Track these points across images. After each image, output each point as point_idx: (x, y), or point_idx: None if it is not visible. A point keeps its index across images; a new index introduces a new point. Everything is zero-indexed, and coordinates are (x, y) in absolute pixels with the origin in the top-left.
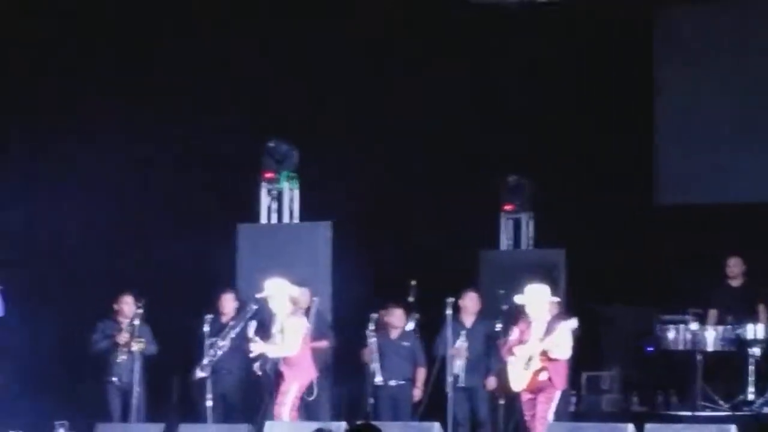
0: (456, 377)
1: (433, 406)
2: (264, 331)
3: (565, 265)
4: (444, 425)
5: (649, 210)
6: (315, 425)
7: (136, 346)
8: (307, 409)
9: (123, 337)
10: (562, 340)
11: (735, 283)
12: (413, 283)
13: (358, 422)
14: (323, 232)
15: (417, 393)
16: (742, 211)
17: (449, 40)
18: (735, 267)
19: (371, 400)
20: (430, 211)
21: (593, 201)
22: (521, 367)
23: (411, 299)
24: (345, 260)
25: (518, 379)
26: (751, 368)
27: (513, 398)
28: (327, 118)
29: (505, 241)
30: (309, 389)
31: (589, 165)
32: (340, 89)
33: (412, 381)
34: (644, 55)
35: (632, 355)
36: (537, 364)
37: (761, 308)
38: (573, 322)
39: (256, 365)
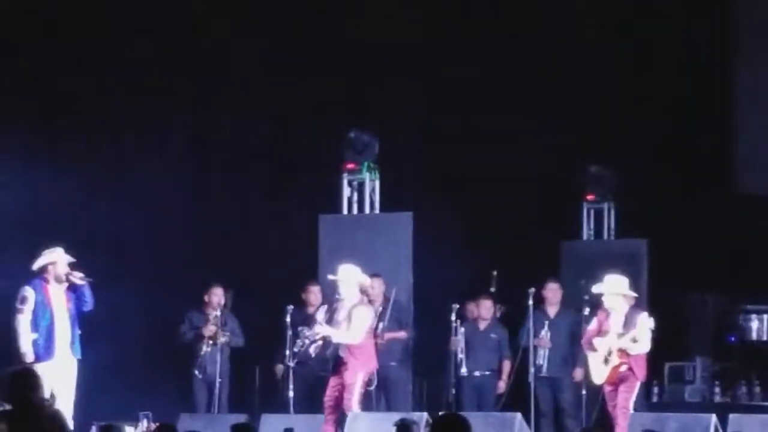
0: (539, 367)
1: (515, 397)
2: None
3: (647, 255)
4: (526, 415)
5: (731, 198)
6: (396, 415)
7: (222, 338)
8: (386, 400)
9: (209, 329)
10: (641, 335)
11: None
12: (495, 273)
13: (441, 413)
14: (404, 222)
15: (501, 385)
16: None
17: (528, 31)
18: None
19: (453, 391)
20: (511, 202)
21: (675, 190)
22: (601, 362)
23: (493, 290)
24: (426, 251)
25: (599, 372)
26: None
27: (596, 388)
28: (408, 107)
29: (586, 231)
30: (369, 380)
31: (670, 154)
32: (420, 77)
33: (497, 372)
34: (723, 43)
35: (715, 345)
36: (616, 359)
37: None
38: (651, 321)
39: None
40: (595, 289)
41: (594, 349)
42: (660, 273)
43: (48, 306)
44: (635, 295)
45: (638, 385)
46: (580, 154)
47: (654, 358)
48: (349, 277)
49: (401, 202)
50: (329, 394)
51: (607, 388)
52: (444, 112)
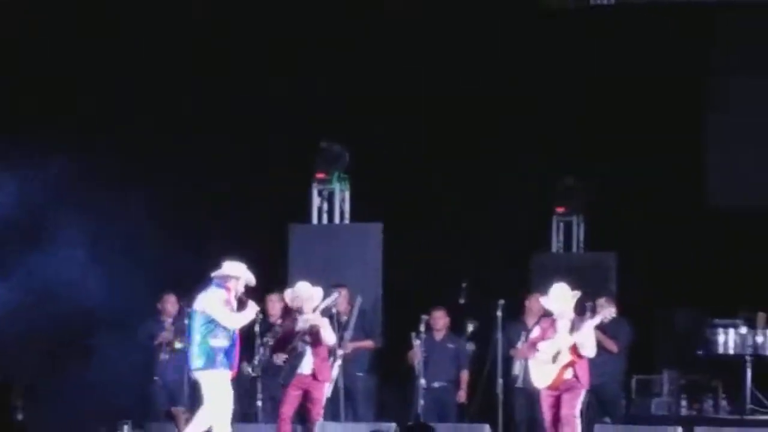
0: (515, 378)
1: (484, 408)
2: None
3: (616, 268)
4: (494, 427)
5: (700, 212)
6: (365, 426)
7: (178, 345)
8: (353, 410)
9: (165, 336)
10: (586, 339)
11: None
12: (464, 284)
13: (410, 423)
14: (374, 233)
15: (462, 395)
16: None
17: (502, 42)
18: None
19: (421, 402)
20: (482, 213)
21: (645, 204)
22: (548, 362)
23: (462, 301)
24: (396, 262)
25: (543, 375)
26: None
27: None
28: (379, 119)
29: (555, 244)
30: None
31: (640, 168)
32: (391, 89)
33: (455, 383)
34: (697, 59)
35: (683, 358)
36: (566, 357)
37: None
38: (597, 319)
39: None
40: (543, 301)
41: (536, 353)
42: (629, 286)
43: None
44: (579, 293)
45: (583, 393)
46: (550, 167)
47: (623, 371)
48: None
49: (371, 212)
50: (289, 407)
51: (548, 394)
52: (416, 124)
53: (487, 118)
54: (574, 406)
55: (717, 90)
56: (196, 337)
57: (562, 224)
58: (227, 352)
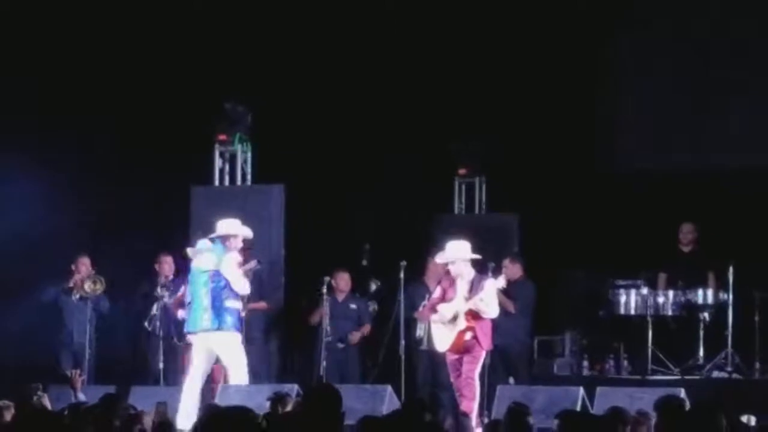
0: (420, 340)
1: (386, 369)
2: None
3: (518, 229)
4: (397, 388)
5: (602, 174)
6: (267, 388)
7: (89, 287)
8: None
9: (77, 278)
10: (488, 298)
11: (687, 249)
12: (367, 246)
13: (313, 384)
14: (276, 194)
15: (355, 336)
16: (696, 178)
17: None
18: (688, 234)
19: (324, 363)
20: (385, 175)
21: (547, 166)
22: (447, 326)
23: (365, 263)
24: (298, 223)
25: (443, 338)
26: (701, 333)
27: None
28: (283, 79)
29: (458, 205)
30: None
31: (543, 131)
32: (295, 50)
33: (359, 344)
34: (597, 23)
35: (584, 319)
36: (463, 323)
37: (711, 275)
38: (500, 281)
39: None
40: (439, 258)
41: (436, 315)
42: (530, 248)
43: None
44: (479, 257)
45: (483, 354)
46: (452, 129)
47: (526, 332)
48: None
49: (275, 174)
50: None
51: (451, 357)
52: (318, 86)
53: (389, 80)
54: (473, 369)
55: (614, 53)
56: (205, 298)
57: (464, 186)
58: (239, 315)
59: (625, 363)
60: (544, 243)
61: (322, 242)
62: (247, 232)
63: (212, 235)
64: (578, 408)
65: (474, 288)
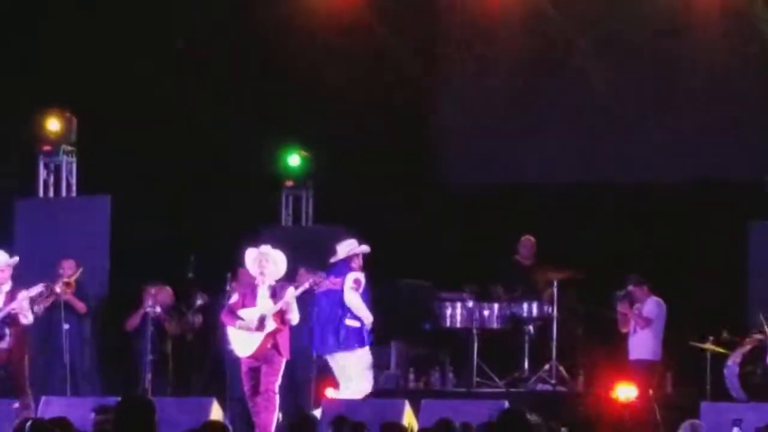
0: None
1: (211, 381)
2: None
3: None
4: (222, 400)
5: (430, 187)
6: (90, 400)
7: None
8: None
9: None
10: (290, 306)
11: (525, 262)
12: (192, 258)
13: (129, 397)
14: (101, 206)
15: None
16: (532, 191)
17: None
18: (526, 246)
19: (149, 376)
20: (211, 187)
21: (378, 179)
22: (252, 330)
23: (191, 275)
24: (124, 235)
25: (246, 343)
26: (526, 346)
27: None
28: (108, 89)
29: (285, 217)
30: None
31: (370, 143)
32: (122, 59)
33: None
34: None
35: (410, 331)
36: (272, 325)
37: (547, 288)
38: (301, 288)
39: None
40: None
41: (237, 320)
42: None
43: None
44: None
45: (283, 364)
46: (279, 143)
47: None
48: None
49: (100, 186)
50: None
51: (249, 365)
52: (144, 94)
53: (217, 89)
54: (273, 381)
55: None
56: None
57: (291, 198)
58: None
59: (451, 375)
60: (372, 254)
61: (147, 254)
62: (364, 249)
63: (334, 259)
64: (403, 421)
65: (275, 294)
